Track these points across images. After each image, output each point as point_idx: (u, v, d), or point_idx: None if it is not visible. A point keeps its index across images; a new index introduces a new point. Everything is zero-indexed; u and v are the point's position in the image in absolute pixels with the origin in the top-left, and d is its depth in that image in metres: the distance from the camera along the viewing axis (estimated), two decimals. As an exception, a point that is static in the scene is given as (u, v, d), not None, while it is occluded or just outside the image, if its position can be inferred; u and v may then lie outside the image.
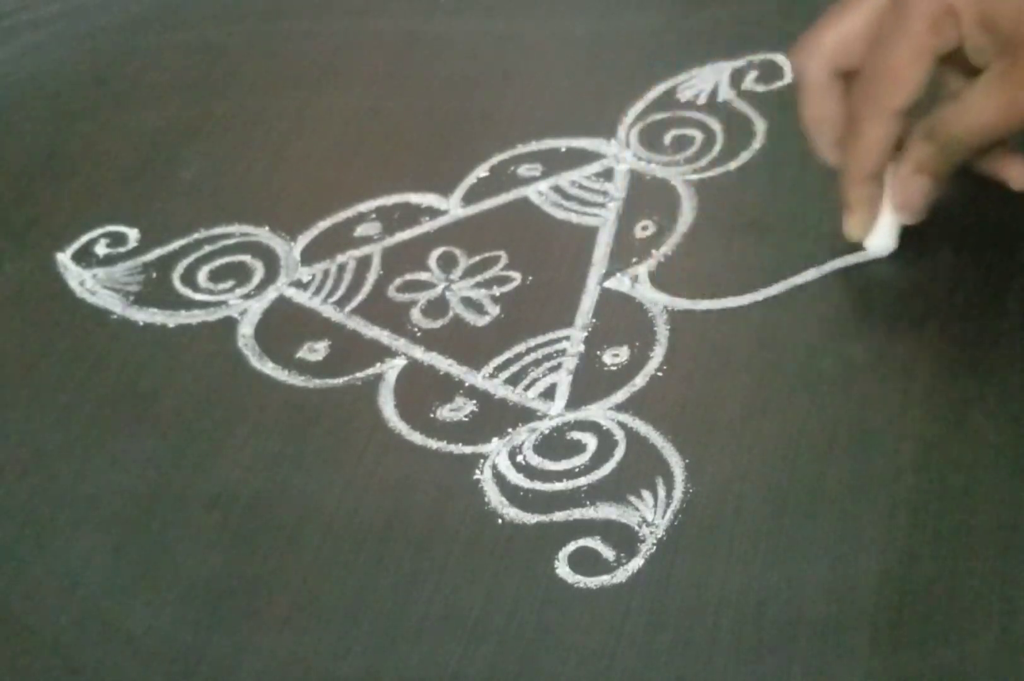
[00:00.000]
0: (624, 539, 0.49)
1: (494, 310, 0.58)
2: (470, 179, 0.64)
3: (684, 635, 0.46)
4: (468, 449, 0.53)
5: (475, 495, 0.51)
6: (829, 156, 0.57)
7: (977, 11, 0.51)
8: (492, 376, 0.56)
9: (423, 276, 0.60)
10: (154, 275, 0.62)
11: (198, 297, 0.61)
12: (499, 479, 0.52)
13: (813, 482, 0.50)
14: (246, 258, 0.62)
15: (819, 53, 0.55)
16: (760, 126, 0.64)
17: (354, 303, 0.60)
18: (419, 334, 0.58)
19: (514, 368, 0.56)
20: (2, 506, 0.54)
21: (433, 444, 0.54)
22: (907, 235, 0.57)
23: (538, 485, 0.52)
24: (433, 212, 0.63)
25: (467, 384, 0.56)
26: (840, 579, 0.47)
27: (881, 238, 0.57)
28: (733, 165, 0.63)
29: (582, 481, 0.51)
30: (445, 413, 0.55)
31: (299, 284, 0.61)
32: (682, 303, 0.57)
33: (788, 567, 0.48)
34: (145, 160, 0.68)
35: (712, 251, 0.58)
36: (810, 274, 0.57)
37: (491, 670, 0.47)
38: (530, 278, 0.59)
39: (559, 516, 0.50)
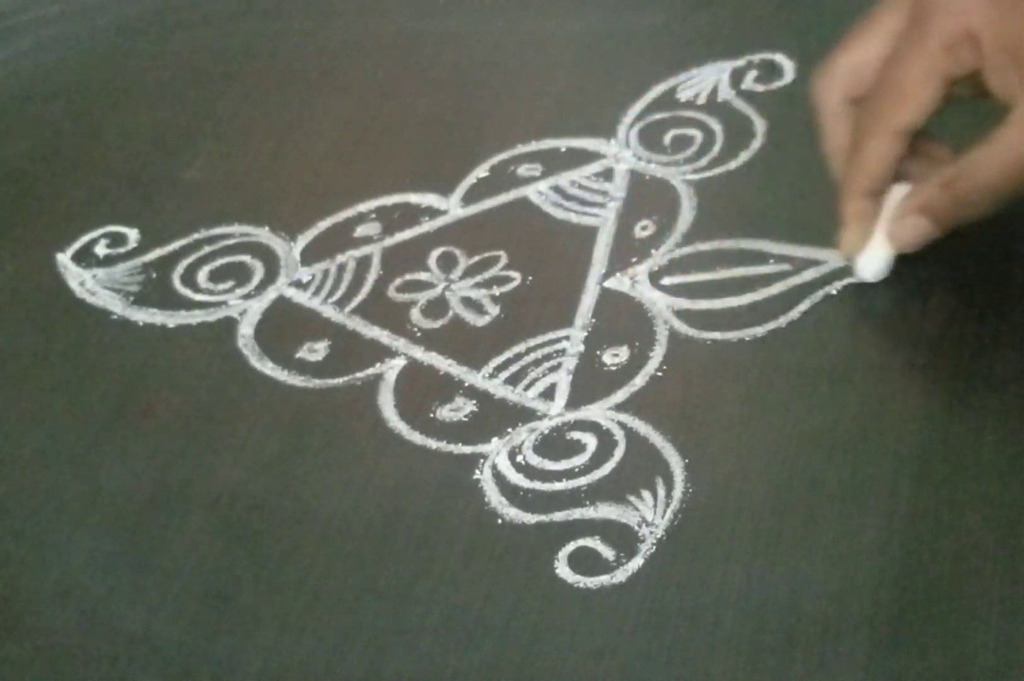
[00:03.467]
0: (624, 539, 0.49)
1: (494, 310, 0.58)
2: (470, 179, 0.64)
3: (684, 635, 0.46)
4: (468, 449, 0.53)
5: (475, 495, 0.51)
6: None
7: (998, 34, 0.48)
8: (492, 376, 0.56)
9: (423, 276, 0.60)
10: (154, 275, 0.62)
11: (198, 297, 0.61)
12: (499, 479, 0.52)
13: (813, 482, 0.50)
14: (246, 258, 0.62)
15: (833, 81, 0.54)
16: (760, 126, 0.64)
17: (354, 303, 0.60)
18: (419, 334, 0.58)
19: (514, 368, 0.56)
20: (2, 506, 0.54)
21: (433, 444, 0.54)
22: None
23: (538, 485, 0.52)
24: (433, 212, 0.63)
25: (467, 384, 0.56)
26: (840, 579, 0.47)
27: (870, 263, 0.55)
28: (733, 165, 0.62)
29: (582, 481, 0.51)
30: (445, 413, 0.55)
31: (299, 284, 0.61)
32: (682, 303, 0.57)
33: (788, 567, 0.48)
34: (145, 160, 0.68)
35: (712, 251, 0.57)
36: (809, 274, 0.57)
37: (491, 670, 0.47)
38: (530, 278, 0.59)
39: (559, 516, 0.50)
